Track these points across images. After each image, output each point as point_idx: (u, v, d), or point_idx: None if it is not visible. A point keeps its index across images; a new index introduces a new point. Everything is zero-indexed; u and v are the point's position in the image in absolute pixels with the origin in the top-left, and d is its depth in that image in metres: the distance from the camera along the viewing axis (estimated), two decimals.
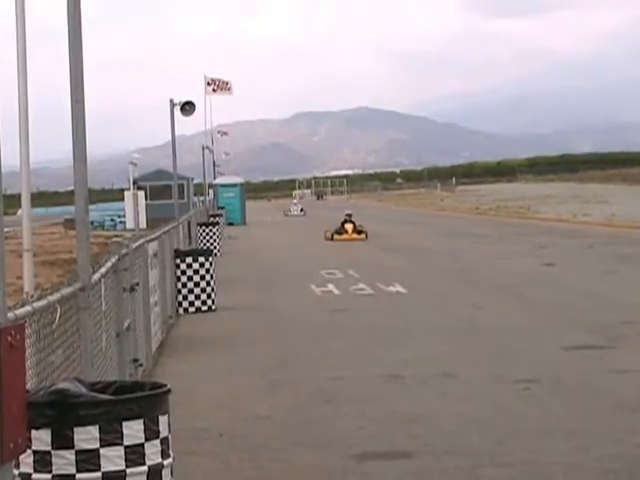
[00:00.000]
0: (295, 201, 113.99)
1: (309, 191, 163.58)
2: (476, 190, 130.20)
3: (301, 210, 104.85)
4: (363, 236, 56.28)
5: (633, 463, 11.61)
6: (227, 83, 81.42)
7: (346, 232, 56.28)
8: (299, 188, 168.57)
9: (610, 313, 24.37)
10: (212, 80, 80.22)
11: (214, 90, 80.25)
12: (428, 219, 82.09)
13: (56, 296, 9.11)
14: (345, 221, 57.61)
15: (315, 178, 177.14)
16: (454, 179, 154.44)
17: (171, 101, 39.37)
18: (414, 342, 21.10)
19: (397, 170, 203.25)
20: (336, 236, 55.90)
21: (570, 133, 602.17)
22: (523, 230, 60.75)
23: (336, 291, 31.48)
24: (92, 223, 67.51)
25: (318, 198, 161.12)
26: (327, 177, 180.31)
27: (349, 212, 58.81)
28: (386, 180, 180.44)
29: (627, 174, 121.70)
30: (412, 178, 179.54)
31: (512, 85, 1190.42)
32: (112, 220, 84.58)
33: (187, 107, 40.31)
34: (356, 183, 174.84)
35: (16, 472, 7.38)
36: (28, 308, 7.98)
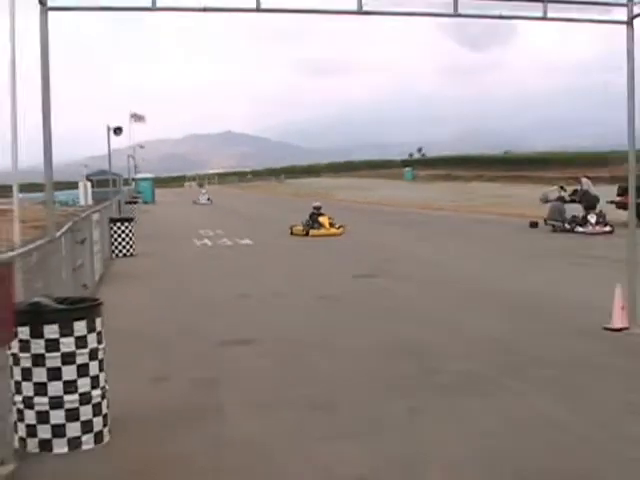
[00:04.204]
0: (203, 191, 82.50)
1: (194, 182, 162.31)
2: (297, 182, 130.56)
3: (208, 199, 75.72)
4: (342, 230, 33.90)
5: (392, 342, 11.88)
6: (142, 116, 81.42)
7: (322, 226, 33.83)
8: (188, 181, 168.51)
9: (379, 254, 24.73)
10: (134, 114, 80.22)
11: (135, 120, 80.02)
12: (265, 199, 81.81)
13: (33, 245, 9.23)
14: (317, 214, 34.62)
15: (198, 175, 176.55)
16: (283, 175, 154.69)
17: (107, 127, 40.92)
18: (258, 274, 21.15)
19: (248, 169, 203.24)
20: (313, 231, 33.30)
21: (354, 147, 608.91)
22: (326, 206, 60.98)
23: (209, 243, 31.33)
24: (60, 202, 66.90)
25: (199, 187, 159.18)
26: (205, 174, 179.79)
27: (317, 204, 35.45)
28: (241, 176, 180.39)
29: (385, 174, 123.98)
30: (258, 175, 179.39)
31: (325, 115, 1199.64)
32: (73, 200, 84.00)
33: (117, 131, 42.21)
34: (223, 178, 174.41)
35: (9, 352, 7.45)
36: (13, 253, 8.11)
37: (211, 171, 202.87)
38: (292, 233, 33.77)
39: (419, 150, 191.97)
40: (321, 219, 34.15)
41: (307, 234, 33.08)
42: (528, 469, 6.80)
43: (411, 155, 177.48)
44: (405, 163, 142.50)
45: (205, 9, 10.48)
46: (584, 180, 33.59)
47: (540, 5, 11.64)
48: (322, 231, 33.22)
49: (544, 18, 11.69)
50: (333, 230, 33.48)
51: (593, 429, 7.76)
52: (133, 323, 14.07)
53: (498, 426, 7.90)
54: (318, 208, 34.71)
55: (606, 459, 6.98)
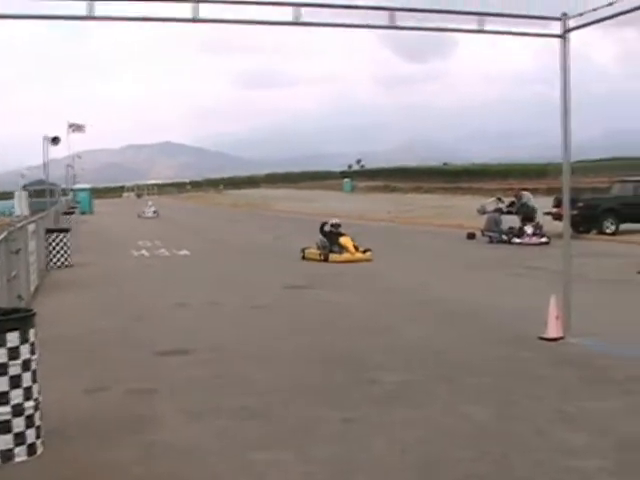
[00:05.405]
0: (150, 203, 75.09)
1: (133, 193, 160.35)
2: (236, 193, 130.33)
3: (154, 212, 68.62)
4: (369, 255, 25.91)
5: (326, 345, 11.94)
6: (81, 126, 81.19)
7: (345, 250, 25.92)
8: (127, 191, 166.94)
9: (316, 264, 24.79)
10: (72, 123, 80.00)
11: (73, 130, 79.76)
12: (204, 209, 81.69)
13: None
14: (337, 234, 26.69)
15: (137, 185, 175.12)
16: (222, 186, 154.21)
17: (45, 136, 41.43)
18: (195, 284, 21.10)
19: (187, 180, 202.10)
20: (334, 256, 25.75)
21: (292, 159, 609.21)
22: (262, 216, 61.03)
23: (146, 254, 31.16)
24: None
25: (138, 197, 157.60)
26: (144, 184, 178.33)
27: (336, 221, 27.45)
28: (180, 187, 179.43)
29: (324, 185, 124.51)
30: (197, 185, 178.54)
31: (264, 126, 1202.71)
32: (9, 211, 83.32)
33: (55, 140, 42.81)
34: (162, 188, 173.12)
35: None
36: None
37: (150, 181, 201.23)
38: (304, 257, 26.81)
39: (358, 161, 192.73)
40: (342, 240, 26.49)
41: (326, 259, 25.90)
42: (463, 477, 6.91)
43: (350, 167, 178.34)
44: (344, 174, 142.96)
45: (144, 19, 10.50)
46: (525, 193, 34.22)
47: (476, 18, 11.84)
48: (346, 256, 25.83)
49: (480, 31, 11.90)
50: (359, 255, 25.95)
51: (527, 438, 7.89)
52: (69, 334, 13.96)
53: (433, 436, 7.99)
54: (337, 226, 27.15)
55: (540, 467, 7.10)
